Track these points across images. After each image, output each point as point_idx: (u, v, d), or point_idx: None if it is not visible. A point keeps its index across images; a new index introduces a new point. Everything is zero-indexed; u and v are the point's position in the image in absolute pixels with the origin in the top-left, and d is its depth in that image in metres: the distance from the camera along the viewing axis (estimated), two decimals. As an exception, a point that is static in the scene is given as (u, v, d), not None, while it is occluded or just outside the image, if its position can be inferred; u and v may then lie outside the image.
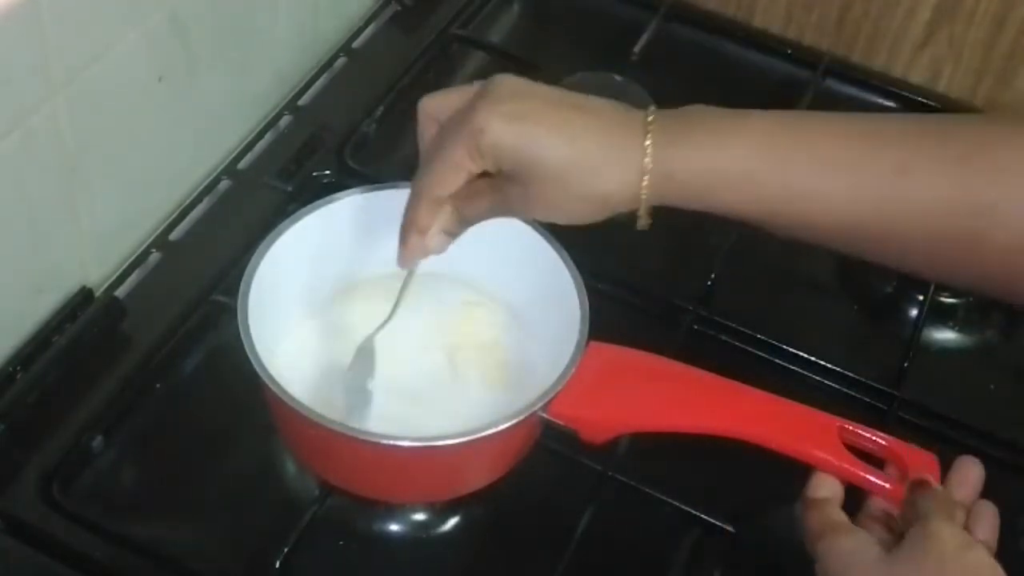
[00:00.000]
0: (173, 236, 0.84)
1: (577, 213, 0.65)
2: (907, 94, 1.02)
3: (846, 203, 0.63)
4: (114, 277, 0.81)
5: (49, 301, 0.76)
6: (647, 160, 0.62)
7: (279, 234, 0.72)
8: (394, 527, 0.72)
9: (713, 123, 0.64)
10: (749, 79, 1.04)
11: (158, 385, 0.76)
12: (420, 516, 0.73)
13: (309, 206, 0.74)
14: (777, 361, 0.81)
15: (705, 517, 0.72)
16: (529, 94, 0.64)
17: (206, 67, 0.83)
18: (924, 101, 1.02)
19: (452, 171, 0.64)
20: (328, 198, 0.74)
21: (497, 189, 0.65)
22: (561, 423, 0.67)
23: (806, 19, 1.06)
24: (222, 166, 0.88)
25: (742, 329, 0.82)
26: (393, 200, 0.74)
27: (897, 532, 0.62)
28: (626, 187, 0.63)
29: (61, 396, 0.74)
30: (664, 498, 0.72)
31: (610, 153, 0.63)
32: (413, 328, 0.75)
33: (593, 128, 0.63)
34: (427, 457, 0.65)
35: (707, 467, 0.73)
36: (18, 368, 0.73)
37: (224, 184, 0.88)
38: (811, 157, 0.63)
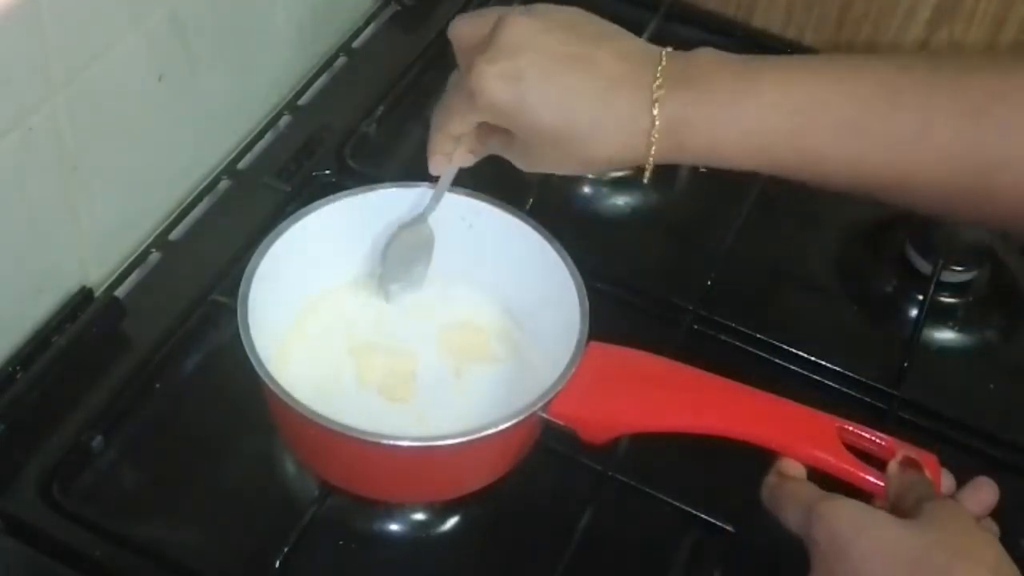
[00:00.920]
0: (173, 236, 0.84)
1: (579, 170, 0.66)
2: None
3: (860, 165, 0.63)
4: (114, 277, 0.81)
5: (49, 301, 0.76)
6: (655, 130, 0.61)
7: (279, 234, 0.72)
8: (394, 527, 0.72)
9: (725, 83, 0.62)
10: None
11: (158, 385, 0.76)
12: (420, 516, 0.73)
13: (309, 206, 0.74)
14: (777, 361, 0.81)
15: (705, 517, 0.72)
16: (529, 47, 0.62)
17: (206, 67, 0.83)
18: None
19: (458, 117, 0.65)
20: (328, 198, 0.74)
21: (505, 134, 0.65)
22: (561, 423, 0.67)
23: (806, 19, 1.06)
24: (222, 166, 0.88)
25: (742, 329, 0.82)
26: (393, 200, 0.75)
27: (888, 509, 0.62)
28: (630, 150, 0.62)
29: (61, 396, 0.74)
30: (664, 498, 0.72)
31: (611, 115, 0.62)
32: (412, 328, 0.75)
33: (591, 88, 0.62)
34: (427, 457, 0.65)
35: (707, 467, 0.73)
36: (18, 368, 0.73)
37: (224, 184, 0.88)
38: (826, 122, 0.62)
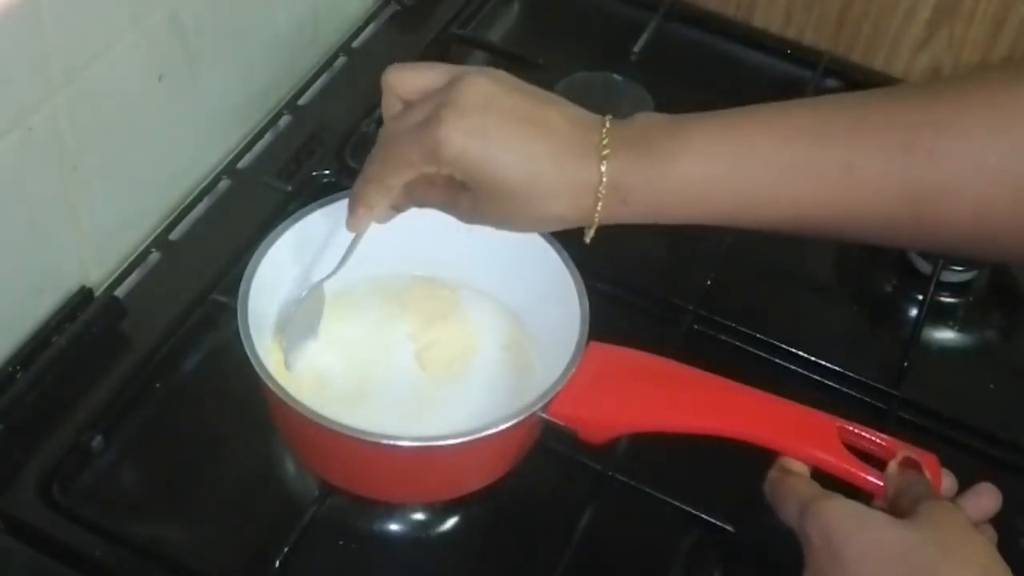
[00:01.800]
0: (173, 236, 0.84)
1: (525, 228, 0.67)
2: (907, 94, 1.02)
3: (796, 204, 0.63)
4: (114, 277, 0.81)
5: (49, 301, 0.76)
6: (601, 188, 0.63)
7: (279, 234, 0.72)
8: (394, 527, 0.72)
9: (659, 143, 0.64)
10: (749, 79, 1.04)
11: (158, 385, 0.76)
12: (420, 516, 0.73)
13: (309, 206, 0.74)
14: (777, 361, 0.81)
15: (705, 517, 0.72)
16: (493, 107, 0.63)
17: (206, 67, 0.83)
18: (924, 101, 1.02)
19: (406, 166, 0.65)
20: (328, 198, 0.74)
21: (450, 189, 0.66)
22: (561, 423, 0.67)
23: (806, 19, 1.06)
24: (222, 166, 0.88)
25: (742, 329, 0.82)
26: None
27: (886, 508, 0.62)
28: (580, 210, 0.64)
29: (61, 396, 0.74)
30: (664, 498, 0.72)
31: (565, 177, 0.63)
32: (412, 328, 0.75)
33: (549, 151, 0.63)
34: (427, 457, 0.65)
35: (707, 467, 0.73)
36: (18, 368, 0.73)
37: (224, 184, 0.88)
38: (755, 165, 0.63)
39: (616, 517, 0.72)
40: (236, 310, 0.67)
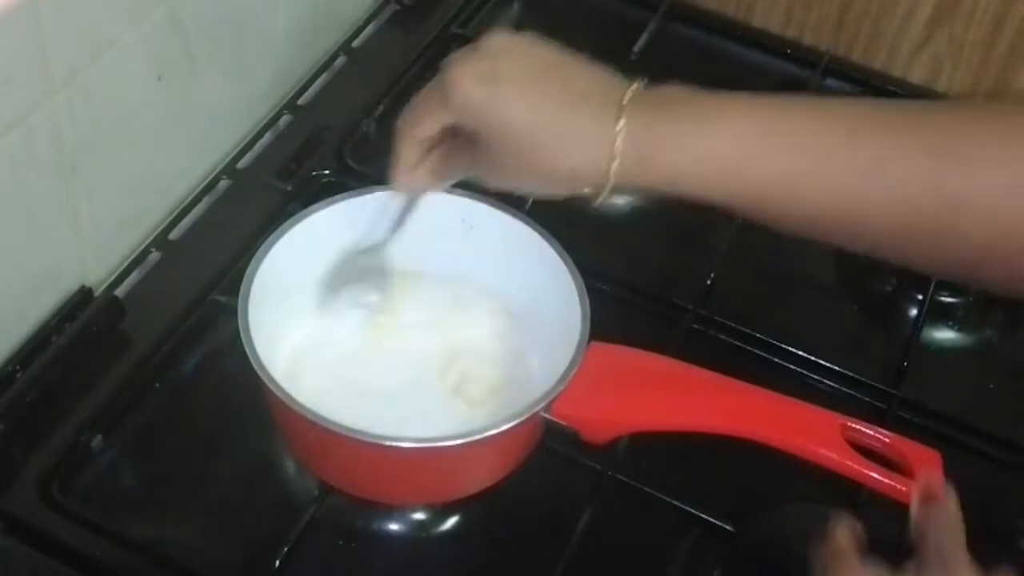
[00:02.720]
0: (173, 236, 0.84)
1: (542, 184, 0.65)
2: (907, 94, 1.02)
3: (820, 192, 0.62)
4: (114, 277, 0.81)
5: (49, 300, 0.76)
6: (618, 143, 0.61)
7: (280, 234, 0.72)
8: (394, 527, 0.72)
9: (691, 110, 0.62)
10: (749, 78, 1.04)
11: (157, 385, 0.76)
12: (420, 516, 0.73)
13: (309, 207, 0.74)
14: (776, 360, 0.81)
15: (705, 517, 0.72)
16: (511, 54, 0.63)
17: (206, 66, 0.83)
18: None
19: (426, 117, 0.65)
20: (329, 199, 0.74)
21: (471, 150, 0.65)
22: (563, 423, 0.67)
23: (806, 18, 1.06)
24: (222, 165, 0.88)
25: (741, 328, 0.82)
26: (393, 200, 0.75)
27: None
28: (593, 165, 0.62)
29: (60, 395, 0.74)
30: (664, 498, 0.72)
31: (576, 124, 0.62)
32: (412, 329, 0.75)
33: (562, 98, 0.62)
34: (429, 458, 0.65)
35: (707, 467, 0.73)
36: (18, 367, 0.73)
37: (224, 184, 0.88)
38: (788, 147, 0.62)
39: (616, 517, 0.72)
40: (236, 310, 0.67)
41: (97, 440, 0.72)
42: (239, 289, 0.68)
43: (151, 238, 0.83)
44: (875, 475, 0.64)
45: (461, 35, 1.01)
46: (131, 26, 0.74)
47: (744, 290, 0.86)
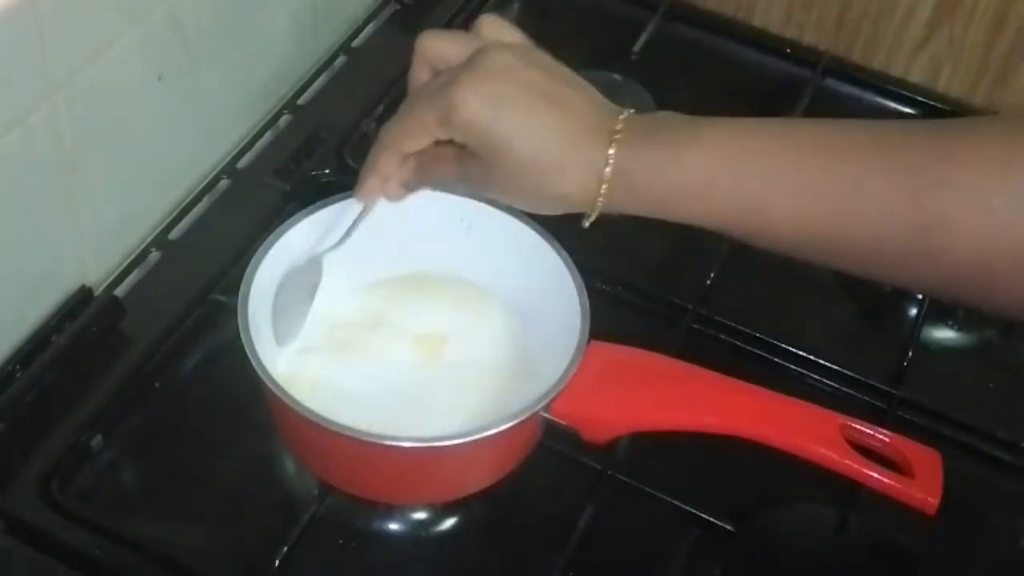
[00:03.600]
0: (172, 235, 0.84)
1: (533, 205, 0.67)
2: (906, 94, 1.02)
3: (800, 216, 0.63)
4: (113, 276, 0.81)
5: (48, 300, 0.76)
6: (607, 171, 0.63)
7: (280, 234, 0.72)
8: (394, 527, 0.72)
9: (671, 136, 0.64)
10: (749, 78, 1.04)
11: (157, 385, 0.76)
12: (420, 516, 0.73)
13: (310, 206, 0.74)
14: (776, 360, 0.81)
15: (705, 517, 0.72)
16: (512, 77, 0.64)
17: (205, 66, 0.83)
18: (923, 101, 1.02)
19: (420, 131, 0.66)
20: (328, 199, 0.74)
21: (461, 162, 0.66)
22: (563, 423, 0.67)
23: (805, 18, 1.06)
24: (221, 165, 0.88)
25: (741, 328, 0.82)
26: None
27: None
28: (584, 190, 0.64)
29: (60, 395, 0.74)
30: (664, 497, 0.72)
31: (573, 155, 0.63)
32: (412, 329, 0.75)
33: (561, 127, 0.63)
34: (429, 458, 0.65)
35: (707, 467, 0.73)
36: (17, 367, 0.73)
37: (224, 183, 0.88)
38: (766, 171, 0.63)
39: (616, 517, 0.72)
40: (236, 310, 0.67)
41: (97, 440, 0.72)
42: (239, 289, 0.68)
43: (151, 238, 0.83)
44: (875, 475, 0.64)
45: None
46: (131, 26, 0.74)
47: (744, 290, 0.86)
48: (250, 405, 0.69)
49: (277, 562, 0.67)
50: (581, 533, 0.70)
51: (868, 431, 0.67)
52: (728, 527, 0.71)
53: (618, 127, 0.63)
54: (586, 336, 0.68)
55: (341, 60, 0.98)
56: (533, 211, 0.68)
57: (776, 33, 1.07)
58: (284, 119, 0.93)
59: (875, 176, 0.61)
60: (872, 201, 0.61)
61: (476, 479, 0.69)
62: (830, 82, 1.02)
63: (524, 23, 1.06)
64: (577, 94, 0.65)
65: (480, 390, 0.72)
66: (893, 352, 0.83)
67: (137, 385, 0.75)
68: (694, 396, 0.68)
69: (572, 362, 0.67)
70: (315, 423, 0.63)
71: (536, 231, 0.73)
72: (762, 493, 0.74)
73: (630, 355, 0.69)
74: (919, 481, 0.65)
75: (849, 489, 0.71)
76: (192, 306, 0.79)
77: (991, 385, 0.84)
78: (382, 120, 0.92)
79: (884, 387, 0.80)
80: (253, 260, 0.70)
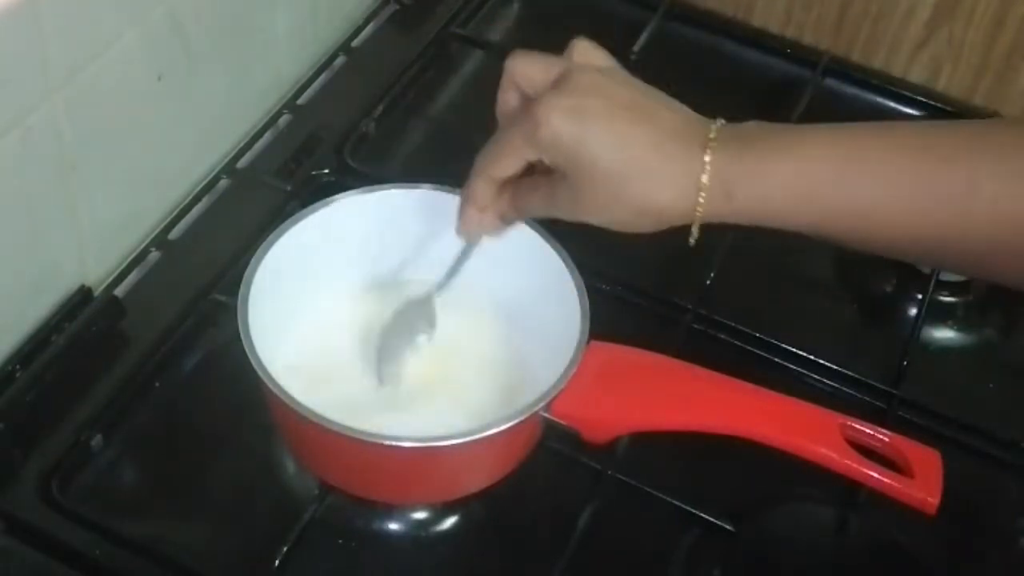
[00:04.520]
0: (172, 235, 0.84)
1: (627, 221, 0.64)
2: (906, 94, 1.02)
3: (912, 219, 0.61)
4: (113, 276, 0.81)
5: (48, 300, 0.76)
6: (704, 177, 0.61)
7: (279, 234, 0.72)
8: (394, 527, 0.72)
9: (770, 140, 0.63)
10: (749, 78, 1.04)
11: (157, 384, 0.76)
12: (420, 516, 0.73)
13: (310, 207, 0.74)
14: (776, 360, 0.81)
15: (705, 517, 0.72)
16: (598, 92, 0.63)
17: (205, 66, 0.83)
18: (924, 101, 1.02)
19: (509, 155, 0.65)
20: (328, 199, 0.74)
21: (550, 186, 0.65)
22: (563, 423, 0.67)
23: (805, 18, 1.06)
24: (221, 165, 0.88)
25: (741, 328, 0.82)
26: (393, 200, 0.75)
27: None
28: (681, 201, 0.62)
29: (60, 395, 0.74)
30: (664, 497, 0.72)
31: (664, 165, 0.62)
32: (412, 328, 0.75)
33: (648, 138, 0.62)
34: (429, 458, 0.65)
35: (707, 467, 0.73)
36: (17, 367, 0.73)
37: (223, 183, 0.88)
38: (877, 172, 0.62)
39: (616, 517, 0.72)
40: (236, 310, 0.67)
41: (97, 440, 0.72)
42: (239, 289, 0.68)
43: (151, 237, 0.83)
44: (875, 475, 0.64)
45: (461, 35, 1.01)
46: (131, 26, 0.74)
47: (744, 290, 0.86)
48: (250, 405, 0.69)
49: (277, 562, 0.67)
50: (581, 533, 0.70)
51: (868, 431, 0.67)
52: (728, 527, 0.71)
53: (712, 135, 0.62)
54: (586, 336, 0.68)
55: (341, 60, 0.98)
56: (628, 230, 0.65)
57: (776, 33, 1.07)
58: (284, 119, 0.93)
59: (987, 178, 0.60)
60: (984, 202, 0.60)
61: (476, 479, 0.69)
62: (830, 82, 1.02)
63: (524, 23, 1.08)
64: (665, 108, 0.64)
65: (480, 390, 0.72)
66: (893, 352, 0.83)
67: (137, 385, 0.75)
68: (694, 396, 0.68)
69: (572, 362, 0.67)
70: (315, 423, 0.63)
71: (536, 231, 0.73)
72: (762, 493, 0.74)
73: (630, 355, 0.70)
74: (919, 481, 0.65)
75: (849, 489, 0.71)
76: (192, 306, 0.79)
77: (991, 385, 0.85)
78: (382, 120, 0.92)
79: (884, 387, 0.80)
80: (253, 260, 0.70)
